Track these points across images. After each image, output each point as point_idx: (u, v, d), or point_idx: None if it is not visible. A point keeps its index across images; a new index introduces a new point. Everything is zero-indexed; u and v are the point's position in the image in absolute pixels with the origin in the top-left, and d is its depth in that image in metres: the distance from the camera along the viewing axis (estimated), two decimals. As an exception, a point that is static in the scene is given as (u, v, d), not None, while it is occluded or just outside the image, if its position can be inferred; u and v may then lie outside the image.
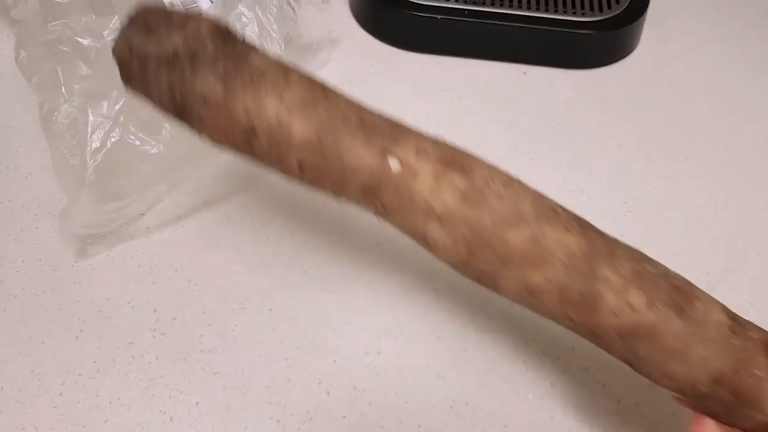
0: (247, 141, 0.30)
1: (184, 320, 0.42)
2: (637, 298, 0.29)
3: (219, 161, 0.49)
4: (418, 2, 0.56)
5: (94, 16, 0.45)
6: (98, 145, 0.43)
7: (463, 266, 0.31)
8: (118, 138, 0.43)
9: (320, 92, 0.31)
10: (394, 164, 0.29)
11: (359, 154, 0.29)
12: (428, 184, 0.29)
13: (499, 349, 0.42)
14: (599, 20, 0.56)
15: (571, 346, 0.42)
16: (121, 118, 0.44)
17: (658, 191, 0.50)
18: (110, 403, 0.39)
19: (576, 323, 0.31)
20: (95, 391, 0.39)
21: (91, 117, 0.43)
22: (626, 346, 0.30)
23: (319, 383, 0.40)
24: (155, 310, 0.43)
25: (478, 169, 0.31)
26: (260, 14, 0.48)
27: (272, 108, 0.29)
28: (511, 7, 0.56)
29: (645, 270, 0.31)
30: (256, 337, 0.42)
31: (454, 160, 0.31)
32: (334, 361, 0.41)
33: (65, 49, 0.44)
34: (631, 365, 0.32)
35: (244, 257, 0.45)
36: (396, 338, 0.42)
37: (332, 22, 0.59)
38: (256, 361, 0.41)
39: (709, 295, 0.31)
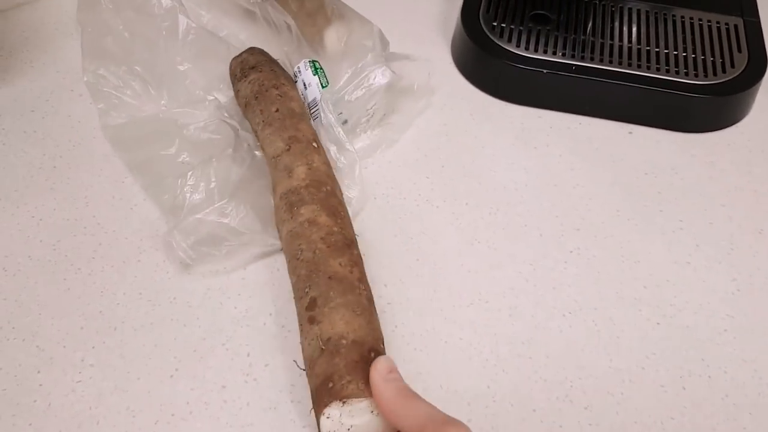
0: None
1: (276, 367, 0.42)
2: None
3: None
4: (524, 55, 0.56)
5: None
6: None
7: None
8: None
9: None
10: None
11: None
12: None
13: (596, 428, 0.40)
14: (713, 84, 0.54)
15: (673, 433, 0.40)
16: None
17: (770, 270, 0.48)
18: (201, 447, 0.39)
19: None
20: (187, 434, 0.39)
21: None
22: None
23: (409, 448, 0.39)
24: (248, 355, 0.43)
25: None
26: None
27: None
28: (620, 65, 0.55)
29: None
30: (345, 392, 0.41)
31: None
32: (424, 425, 0.40)
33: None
34: None
35: (337, 306, 0.45)
36: (487, 406, 0.41)
37: (433, 70, 0.59)
38: (346, 417, 0.40)
39: None
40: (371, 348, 0.36)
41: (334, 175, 0.46)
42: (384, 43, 0.54)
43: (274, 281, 0.46)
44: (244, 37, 0.58)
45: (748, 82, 0.54)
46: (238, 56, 0.53)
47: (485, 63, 0.57)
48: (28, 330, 0.43)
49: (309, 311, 0.37)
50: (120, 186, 0.50)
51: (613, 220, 0.50)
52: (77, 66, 0.56)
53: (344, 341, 0.35)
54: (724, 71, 0.55)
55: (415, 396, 0.33)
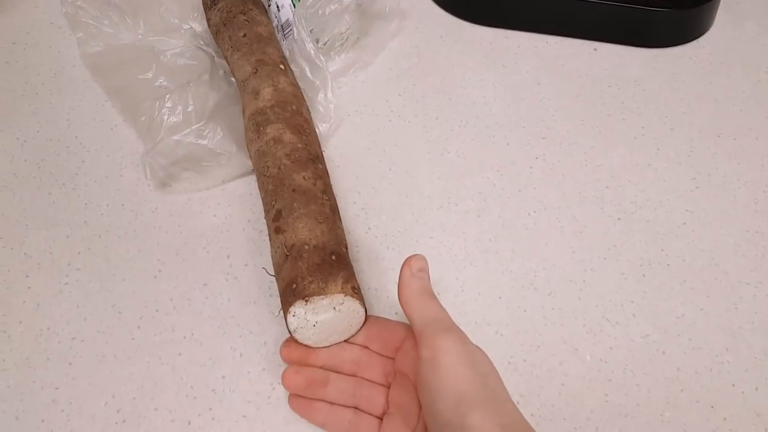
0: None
1: (256, 266, 0.44)
2: None
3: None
4: (491, -24, 0.57)
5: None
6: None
7: None
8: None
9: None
10: None
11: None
12: None
13: (558, 311, 0.43)
14: (674, -2, 0.56)
15: (632, 313, 0.43)
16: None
17: (727, 169, 0.50)
18: (184, 338, 0.41)
19: None
20: (171, 327, 0.41)
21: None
22: None
23: (382, 332, 0.41)
24: (228, 256, 0.45)
25: None
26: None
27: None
28: (584, -18, 0.57)
29: None
30: (321, 287, 0.43)
31: None
32: (396, 313, 0.42)
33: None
34: None
35: (313, 213, 0.47)
36: (456, 295, 0.43)
37: (404, -5, 0.61)
38: (322, 308, 0.42)
39: None
40: (332, 252, 0.38)
41: (301, 95, 0.48)
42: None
43: (252, 191, 0.48)
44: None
45: (707, -4, 0.56)
46: None
47: (454, -14, 0.59)
48: (16, 239, 0.45)
49: (275, 222, 0.39)
50: (100, 109, 0.52)
51: (577, 129, 0.52)
52: (55, 0, 0.58)
53: (306, 247, 0.37)
54: (684, -13, 0.57)
55: (433, 298, 0.36)
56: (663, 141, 0.51)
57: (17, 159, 0.49)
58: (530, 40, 0.58)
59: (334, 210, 0.41)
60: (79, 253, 0.44)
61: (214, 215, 0.47)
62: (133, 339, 0.41)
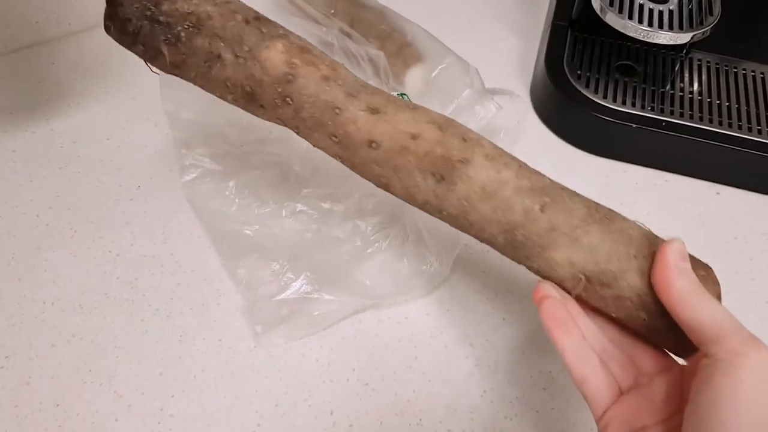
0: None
1: (361, 428, 0.41)
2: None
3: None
4: (612, 107, 0.54)
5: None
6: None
7: None
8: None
9: None
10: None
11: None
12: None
13: None
14: (807, 148, 0.52)
15: None
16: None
17: None
18: None
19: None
20: (271, 497, 0.38)
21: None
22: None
23: None
24: (332, 413, 0.41)
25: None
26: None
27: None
28: (711, 123, 0.53)
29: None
30: (433, 458, 0.40)
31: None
32: (517, 500, 0.38)
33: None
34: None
35: (421, 365, 0.43)
36: (582, 483, 0.39)
37: (513, 114, 0.57)
38: (434, 486, 0.39)
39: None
40: None
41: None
42: (481, 80, 0.52)
43: (356, 334, 0.45)
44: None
45: (842, 148, 0.53)
46: None
47: (571, 113, 0.55)
48: (106, 373, 0.42)
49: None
50: (198, 223, 0.49)
51: (704, 287, 0.48)
52: (153, 92, 0.55)
53: None
54: (817, 135, 0.53)
55: (711, 296, 0.30)
56: (797, 310, 0.48)
57: (109, 276, 0.46)
58: (649, 177, 0.55)
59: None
60: (172, 396, 0.41)
61: (317, 360, 0.43)
62: (229, 508, 0.37)
